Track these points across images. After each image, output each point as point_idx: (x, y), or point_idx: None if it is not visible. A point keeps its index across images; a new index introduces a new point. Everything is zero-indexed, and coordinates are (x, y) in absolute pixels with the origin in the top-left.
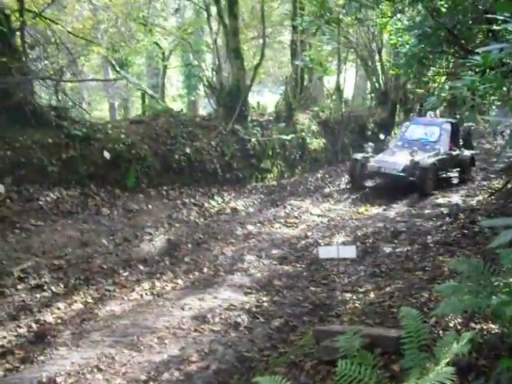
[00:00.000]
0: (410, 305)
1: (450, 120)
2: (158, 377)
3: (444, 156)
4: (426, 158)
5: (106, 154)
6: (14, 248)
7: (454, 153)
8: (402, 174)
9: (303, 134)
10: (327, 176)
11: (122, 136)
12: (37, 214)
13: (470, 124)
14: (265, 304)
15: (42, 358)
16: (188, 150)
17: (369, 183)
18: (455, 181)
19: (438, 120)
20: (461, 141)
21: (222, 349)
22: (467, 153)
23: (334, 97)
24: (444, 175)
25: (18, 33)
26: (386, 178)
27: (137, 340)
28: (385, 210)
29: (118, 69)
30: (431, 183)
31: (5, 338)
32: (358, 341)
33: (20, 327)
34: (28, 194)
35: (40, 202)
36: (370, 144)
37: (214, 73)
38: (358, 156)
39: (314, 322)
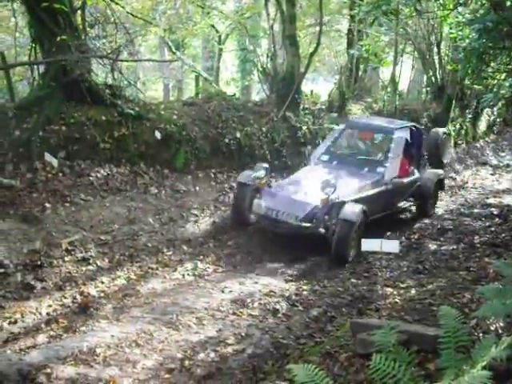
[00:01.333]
0: (451, 304)
1: (409, 124)
2: (193, 356)
3: (388, 187)
4: (351, 196)
5: (157, 134)
6: (64, 221)
7: (407, 180)
8: (305, 225)
9: None
10: None
11: (174, 117)
12: (87, 189)
13: (442, 131)
14: (304, 292)
15: (83, 328)
16: (238, 135)
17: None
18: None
19: (388, 125)
20: (425, 156)
21: (258, 334)
22: (431, 175)
23: (388, 89)
24: (382, 214)
25: (78, 12)
26: (281, 226)
27: (176, 319)
28: None
29: (174, 50)
30: (355, 243)
31: (50, 306)
32: (394, 336)
33: (65, 297)
34: (79, 170)
35: (90, 178)
36: (264, 165)
37: (269, 59)
38: (248, 178)
39: (352, 313)
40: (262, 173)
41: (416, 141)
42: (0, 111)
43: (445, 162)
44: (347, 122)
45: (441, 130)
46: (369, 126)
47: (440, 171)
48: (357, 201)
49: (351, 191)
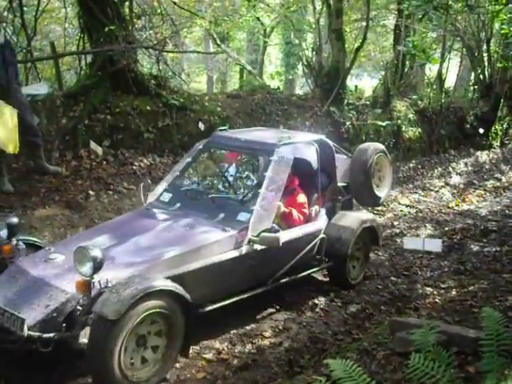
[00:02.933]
0: (493, 307)
1: (313, 138)
2: (231, 349)
3: (253, 249)
4: (160, 272)
5: (201, 126)
6: (106, 208)
7: (299, 232)
8: (39, 337)
9: (399, 121)
10: (419, 167)
11: (218, 109)
12: (130, 177)
13: (375, 148)
14: (343, 289)
15: None
16: (281, 128)
17: None
18: None
19: (268, 140)
20: (342, 190)
21: (296, 328)
22: (352, 222)
23: (434, 86)
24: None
25: (126, 3)
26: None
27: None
28: (477, 207)
29: (218, 42)
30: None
31: None
32: (434, 336)
33: None
34: (123, 158)
35: (134, 167)
36: (11, 219)
37: (314, 53)
38: None
39: (390, 312)
40: (2, 233)
41: (326, 164)
42: (49, 100)
43: (380, 196)
44: (210, 137)
45: (373, 147)
46: (237, 142)
47: (367, 215)
48: (173, 279)
49: (160, 262)
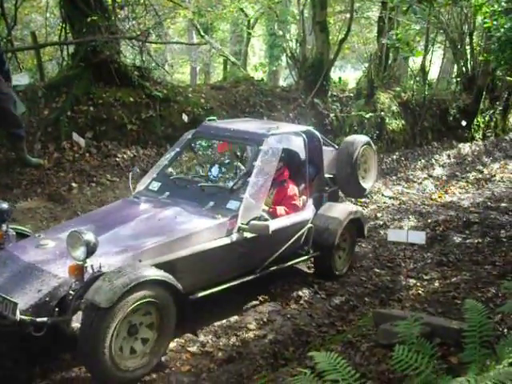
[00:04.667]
0: (476, 298)
1: (301, 129)
2: (215, 341)
3: (243, 237)
4: (148, 259)
5: (185, 117)
6: (89, 201)
7: (288, 221)
8: (31, 321)
9: (383, 113)
10: (403, 158)
11: (202, 100)
12: (113, 169)
13: (361, 140)
14: (327, 280)
15: None
16: (266, 120)
17: None
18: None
19: (257, 130)
20: (328, 181)
21: (280, 320)
22: (339, 212)
23: (417, 78)
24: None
25: None
26: None
27: (198, 302)
28: (459, 198)
29: (202, 33)
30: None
31: None
32: (417, 328)
33: None
34: (107, 150)
35: (117, 159)
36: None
37: (298, 44)
38: None
39: (374, 303)
40: None
41: (313, 155)
42: (30, 90)
43: (366, 188)
44: (199, 127)
45: (359, 139)
46: (227, 132)
47: (354, 207)
48: (162, 266)
49: (149, 249)
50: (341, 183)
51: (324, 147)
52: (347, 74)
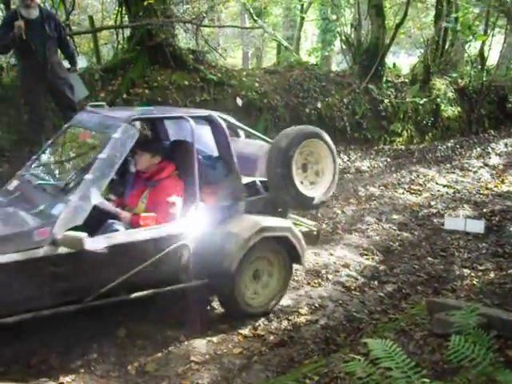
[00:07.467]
0: None
1: (199, 114)
2: (267, 325)
3: (52, 252)
4: None
5: (239, 101)
6: None
7: (139, 236)
8: None
9: (438, 100)
10: (458, 146)
11: (256, 84)
12: None
13: (306, 132)
14: (380, 267)
15: None
16: (319, 105)
17: None
18: None
19: (120, 115)
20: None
21: (332, 306)
22: (246, 227)
23: (475, 64)
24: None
25: None
26: None
27: None
28: None
29: (255, 18)
30: None
31: None
32: (474, 319)
33: None
34: None
35: None
36: None
37: (353, 29)
38: None
39: (427, 292)
40: None
41: (220, 150)
42: (87, 73)
43: (313, 196)
44: (77, 115)
45: (301, 131)
46: (94, 119)
47: (276, 222)
48: None
49: None
50: (271, 189)
51: (257, 141)
52: (400, 60)
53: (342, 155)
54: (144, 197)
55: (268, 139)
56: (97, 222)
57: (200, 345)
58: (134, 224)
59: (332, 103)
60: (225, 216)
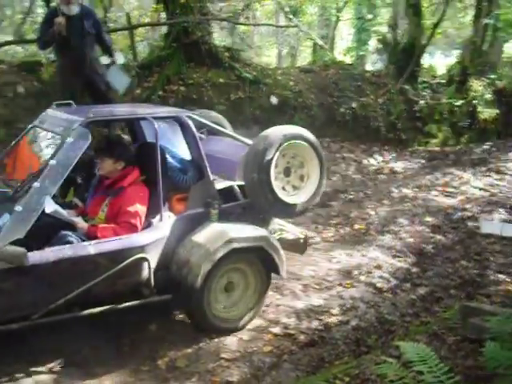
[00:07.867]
0: None
1: (165, 112)
2: (298, 324)
3: None
4: None
5: (273, 99)
6: None
7: (70, 253)
8: None
9: (475, 101)
10: (494, 149)
11: (291, 83)
12: None
13: (287, 133)
14: (412, 270)
15: None
16: (354, 105)
17: None
18: None
19: (77, 116)
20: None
21: (363, 307)
22: (212, 240)
23: None
24: None
25: None
26: None
27: (281, 284)
28: None
29: (290, 16)
30: None
31: None
32: (510, 325)
33: None
34: None
35: None
36: None
37: (390, 28)
38: None
39: (460, 296)
40: None
41: (192, 152)
42: (124, 70)
43: (295, 203)
44: (40, 115)
45: (283, 131)
46: (52, 120)
47: (248, 231)
48: None
49: None
50: (249, 195)
51: (236, 143)
52: (436, 61)
53: (376, 156)
54: (105, 205)
55: (247, 141)
56: (54, 231)
57: (230, 342)
58: (90, 235)
59: (367, 103)
60: (193, 225)
